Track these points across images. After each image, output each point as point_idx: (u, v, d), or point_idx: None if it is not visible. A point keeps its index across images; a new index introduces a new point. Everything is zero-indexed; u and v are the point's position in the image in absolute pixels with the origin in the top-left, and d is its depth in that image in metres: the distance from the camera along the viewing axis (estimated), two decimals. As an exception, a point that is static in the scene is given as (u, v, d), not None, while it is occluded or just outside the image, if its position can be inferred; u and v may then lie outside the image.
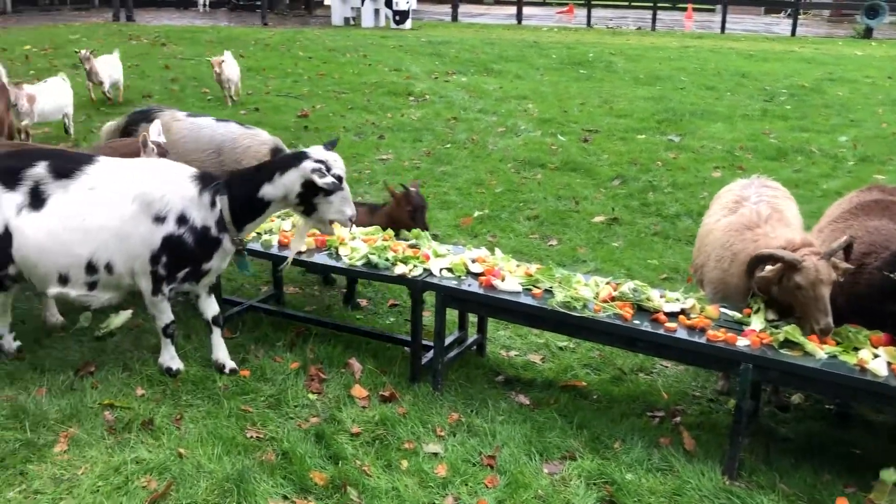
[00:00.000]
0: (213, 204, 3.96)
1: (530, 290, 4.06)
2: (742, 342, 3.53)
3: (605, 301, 3.92)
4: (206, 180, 4.02)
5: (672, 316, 3.79)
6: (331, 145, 4.15)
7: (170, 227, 3.92)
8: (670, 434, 3.94)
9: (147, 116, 5.82)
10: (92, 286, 4.04)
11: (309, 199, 3.96)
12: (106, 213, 3.90)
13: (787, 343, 3.50)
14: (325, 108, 11.77)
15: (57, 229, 3.91)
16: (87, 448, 3.70)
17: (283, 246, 4.64)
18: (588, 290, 3.98)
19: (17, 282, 4.20)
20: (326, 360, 4.54)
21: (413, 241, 4.62)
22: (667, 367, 4.70)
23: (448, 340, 4.52)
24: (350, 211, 4.04)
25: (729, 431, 3.67)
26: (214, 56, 11.87)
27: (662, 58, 17.84)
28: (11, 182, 3.98)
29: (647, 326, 3.72)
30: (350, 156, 9.18)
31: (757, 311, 3.77)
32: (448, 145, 9.91)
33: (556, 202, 7.77)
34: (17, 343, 4.51)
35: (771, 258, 3.64)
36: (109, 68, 11.36)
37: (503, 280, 4.12)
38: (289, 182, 3.91)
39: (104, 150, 5.17)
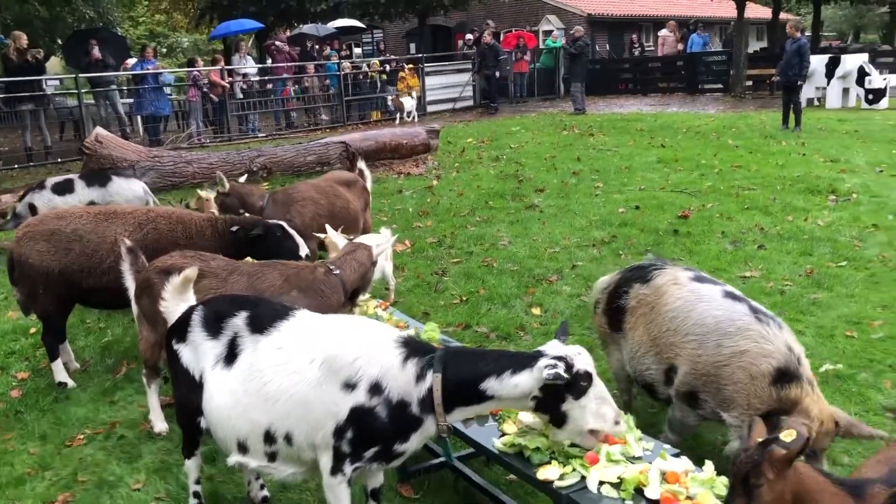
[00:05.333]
0: (419, 378, 3.29)
1: (712, 549, 2.66)
2: None
3: None
4: (415, 349, 3.37)
5: None
6: (563, 335, 3.39)
7: (360, 396, 3.26)
8: None
9: (644, 275, 4.59)
10: (272, 457, 3.50)
11: (554, 406, 3.19)
12: (289, 378, 3.38)
13: None
14: (717, 206, 10.39)
15: (238, 391, 3.49)
16: None
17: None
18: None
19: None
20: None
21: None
22: None
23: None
24: (612, 412, 3.20)
25: None
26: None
27: None
28: (215, 330, 3.65)
29: None
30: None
31: None
32: (843, 263, 7.84)
33: (963, 367, 5.44)
34: (265, 493, 4.26)
35: None
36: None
37: (675, 523, 2.78)
38: (522, 384, 3.19)
39: None
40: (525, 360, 3.22)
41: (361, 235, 5.54)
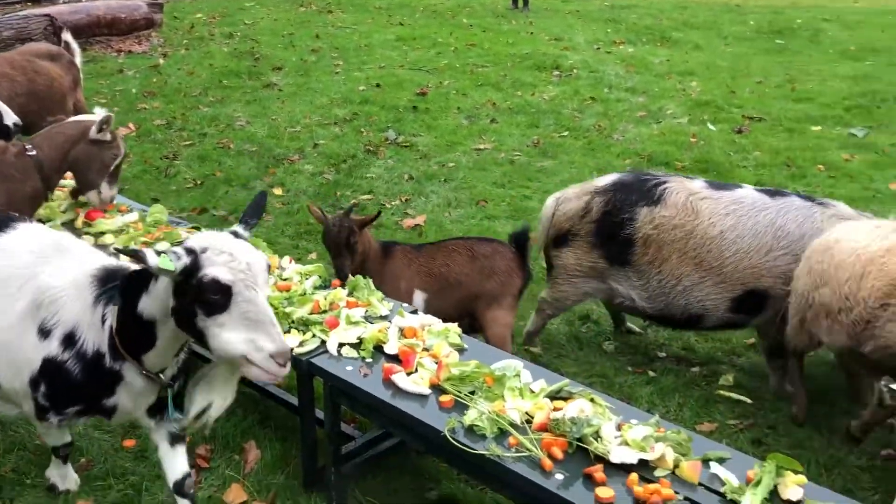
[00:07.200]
0: (104, 319, 2.58)
1: (446, 392, 2.77)
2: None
3: (538, 430, 2.54)
4: (104, 281, 2.63)
5: (620, 471, 2.35)
6: (247, 222, 2.62)
7: (52, 347, 2.60)
8: None
9: (648, 195, 3.90)
10: None
11: (188, 322, 2.35)
12: None
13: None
14: (453, 84, 10.62)
15: None
16: None
17: None
18: (515, 411, 2.60)
19: None
20: (223, 439, 3.53)
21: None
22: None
23: (371, 436, 3.34)
24: (271, 345, 2.26)
25: None
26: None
27: (891, 24, 14.67)
28: None
29: (569, 488, 2.30)
30: (444, 144, 8.06)
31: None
32: (565, 133, 8.42)
33: (660, 217, 6.13)
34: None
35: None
36: None
37: (412, 373, 2.85)
38: (161, 289, 2.41)
39: None
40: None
41: (73, 118, 4.87)
